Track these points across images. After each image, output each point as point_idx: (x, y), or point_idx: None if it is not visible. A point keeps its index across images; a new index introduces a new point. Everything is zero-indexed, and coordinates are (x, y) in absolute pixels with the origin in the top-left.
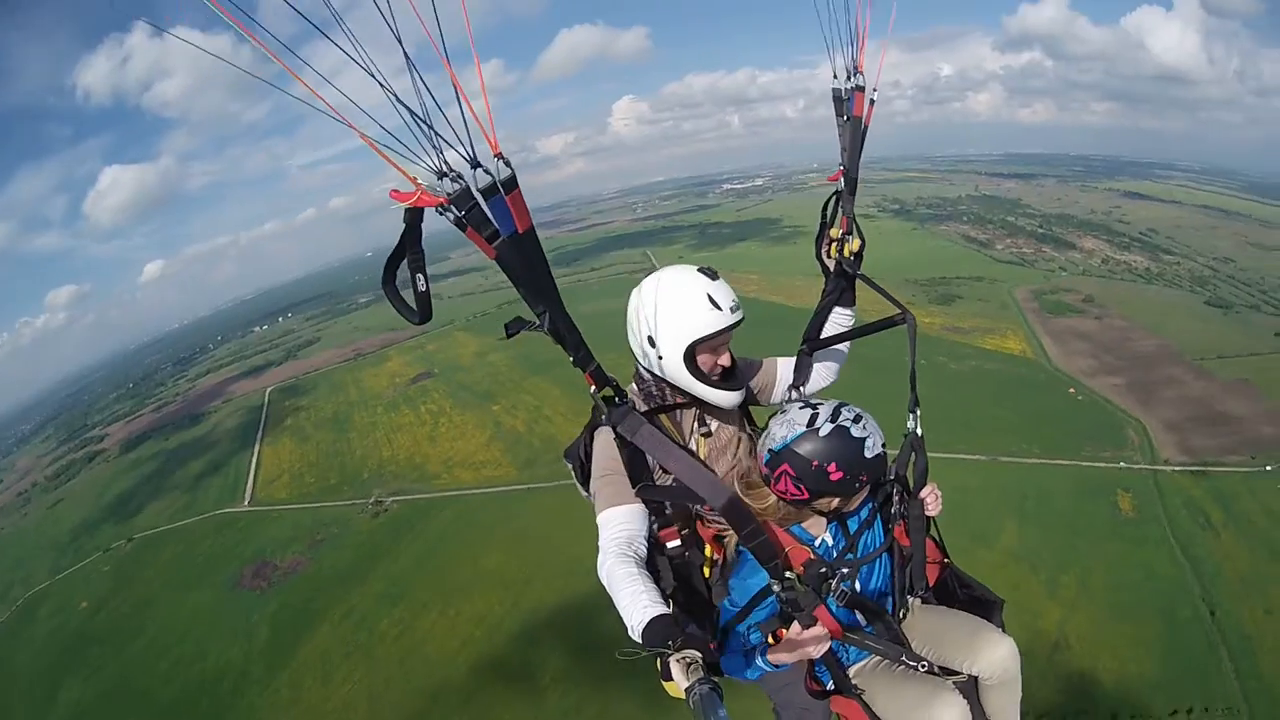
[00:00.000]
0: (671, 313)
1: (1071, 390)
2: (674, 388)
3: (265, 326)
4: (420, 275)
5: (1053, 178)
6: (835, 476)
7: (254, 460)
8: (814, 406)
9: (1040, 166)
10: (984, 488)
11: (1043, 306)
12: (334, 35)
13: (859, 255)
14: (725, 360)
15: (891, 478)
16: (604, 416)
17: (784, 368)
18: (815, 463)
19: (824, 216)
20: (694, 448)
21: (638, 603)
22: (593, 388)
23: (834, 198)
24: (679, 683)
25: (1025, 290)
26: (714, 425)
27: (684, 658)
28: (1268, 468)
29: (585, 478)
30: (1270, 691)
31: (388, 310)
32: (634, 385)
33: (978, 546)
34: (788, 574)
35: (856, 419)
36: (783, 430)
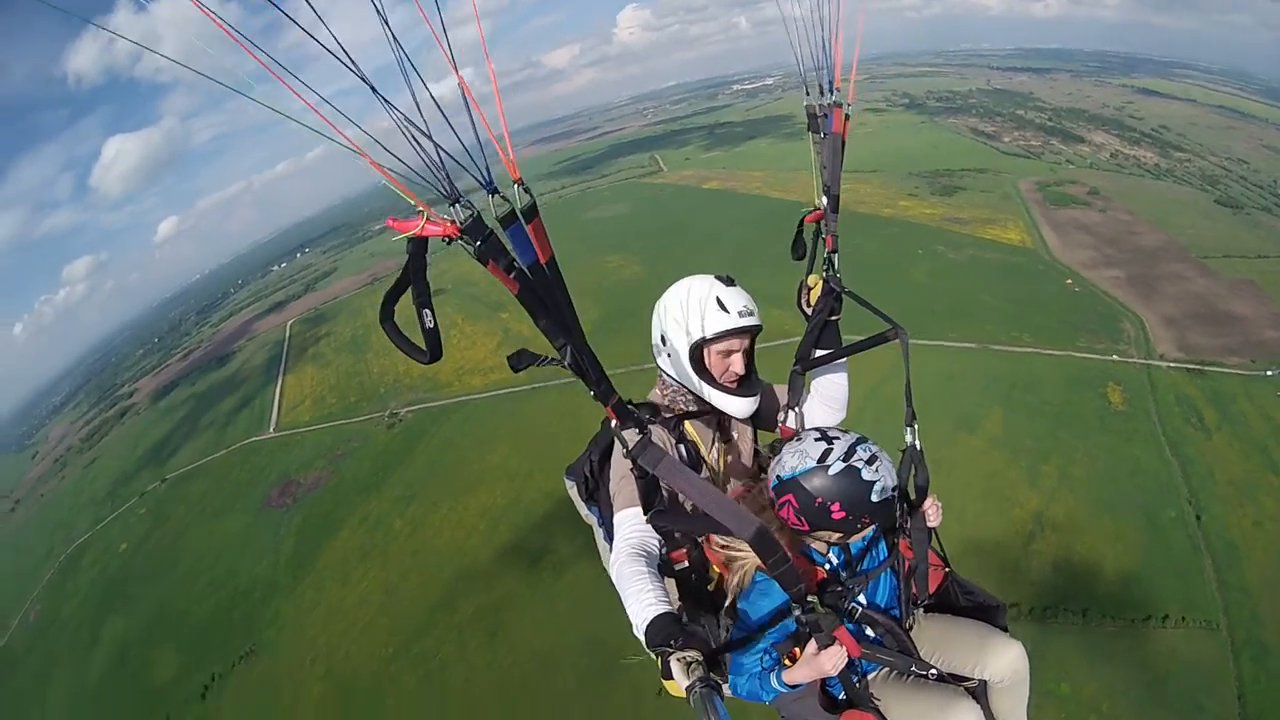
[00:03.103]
0: (681, 313)
1: (1069, 281)
2: (692, 395)
3: (284, 264)
4: (427, 311)
5: (1067, 72)
6: (837, 516)
7: (278, 390)
8: (830, 440)
9: (1055, 61)
10: (972, 374)
11: (1046, 198)
12: (328, 49)
13: (837, 302)
14: (738, 367)
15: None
16: (624, 451)
17: (783, 392)
18: (819, 500)
19: (799, 239)
20: (715, 456)
21: (642, 601)
22: (614, 422)
23: (814, 232)
24: (679, 682)
25: (1029, 182)
26: (735, 435)
27: (685, 657)
28: (1269, 372)
29: (589, 494)
30: (1253, 607)
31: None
32: (657, 390)
33: (961, 432)
34: (809, 598)
35: (870, 460)
36: (794, 460)
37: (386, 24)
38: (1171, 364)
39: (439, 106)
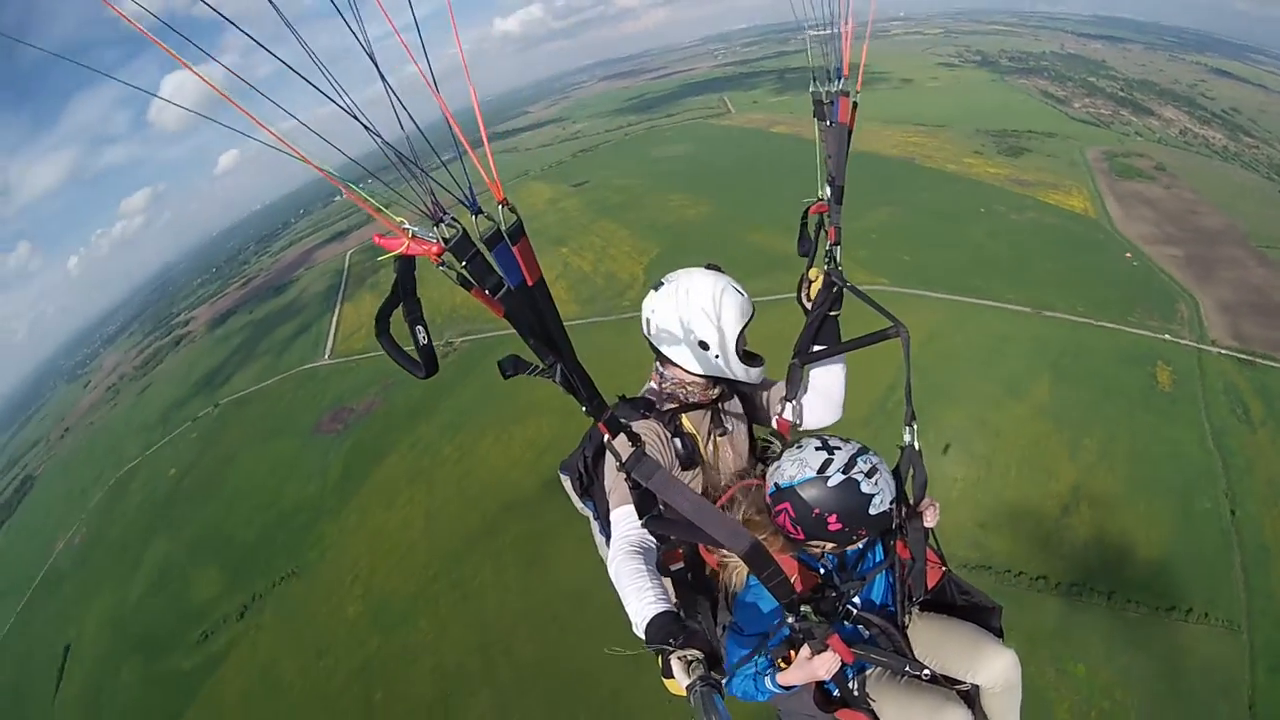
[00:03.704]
0: (717, 313)
1: (1128, 255)
2: (694, 387)
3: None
4: (420, 328)
5: (1141, 44)
6: (834, 527)
7: (335, 317)
8: (831, 451)
9: (1130, 31)
10: (1023, 338)
11: (1112, 168)
12: (305, 64)
13: (837, 297)
14: (745, 342)
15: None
16: (617, 464)
17: (780, 386)
18: (816, 511)
19: (803, 234)
20: (711, 449)
21: (642, 599)
22: (606, 436)
23: (816, 224)
24: (680, 680)
25: (1096, 150)
26: (730, 427)
27: (685, 655)
28: None
29: (584, 489)
30: (1277, 614)
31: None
32: (653, 385)
33: (1007, 397)
34: (802, 607)
35: (870, 472)
36: (793, 469)
37: (372, 57)
38: (1223, 350)
39: (421, 131)
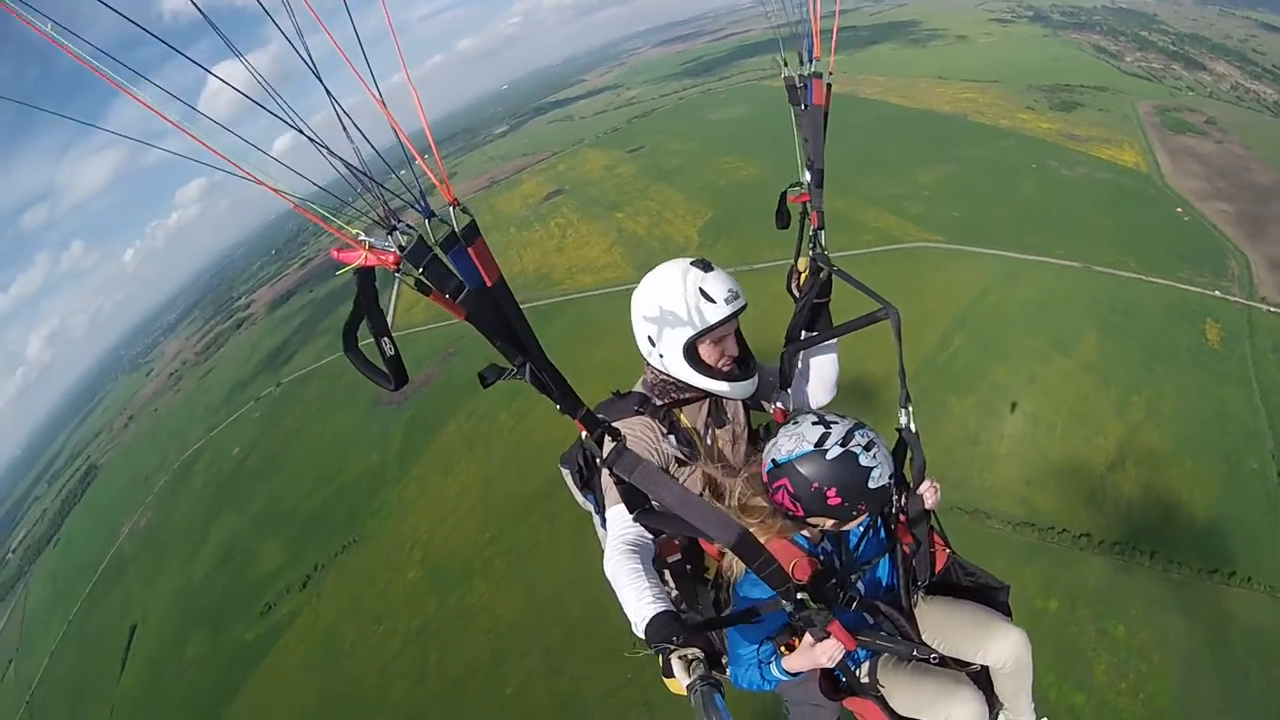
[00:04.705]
0: (666, 311)
1: (1179, 210)
2: (674, 381)
3: (403, 171)
4: (386, 340)
5: None
6: (833, 502)
7: (395, 292)
8: (828, 425)
9: None
10: (1072, 294)
11: (1164, 122)
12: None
13: (826, 284)
14: (733, 350)
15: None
16: (598, 460)
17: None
18: (815, 484)
19: (782, 206)
20: (709, 441)
21: (641, 599)
22: (583, 433)
23: (800, 213)
24: (680, 680)
25: (1148, 105)
26: (729, 417)
27: (686, 655)
28: None
29: (584, 483)
30: None
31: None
32: (646, 378)
33: (1055, 352)
34: (799, 595)
35: (868, 446)
36: (790, 444)
37: (319, 78)
38: (1272, 308)
39: (370, 141)
